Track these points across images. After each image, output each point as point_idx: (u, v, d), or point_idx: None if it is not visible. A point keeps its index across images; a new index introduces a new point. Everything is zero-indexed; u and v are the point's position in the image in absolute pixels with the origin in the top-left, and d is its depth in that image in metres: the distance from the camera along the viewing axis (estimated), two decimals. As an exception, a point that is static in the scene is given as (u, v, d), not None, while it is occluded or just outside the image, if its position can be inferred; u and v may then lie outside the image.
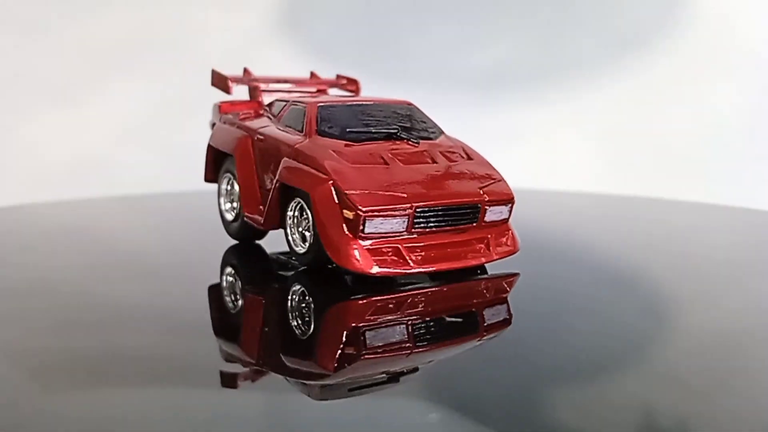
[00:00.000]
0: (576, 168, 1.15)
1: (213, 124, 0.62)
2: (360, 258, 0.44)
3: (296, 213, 0.49)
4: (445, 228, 0.47)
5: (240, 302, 0.46)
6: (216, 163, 0.59)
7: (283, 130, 0.53)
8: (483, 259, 0.48)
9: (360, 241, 0.45)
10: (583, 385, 0.32)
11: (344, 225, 0.45)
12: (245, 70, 0.64)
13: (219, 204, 0.59)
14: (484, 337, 0.38)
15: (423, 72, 1.10)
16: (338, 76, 0.65)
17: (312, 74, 0.66)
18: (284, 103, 0.56)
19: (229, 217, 0.58)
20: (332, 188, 0.45)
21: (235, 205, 0.57)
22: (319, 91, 0.64)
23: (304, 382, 0.33)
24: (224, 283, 0.49)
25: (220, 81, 0.62)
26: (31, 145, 1.14)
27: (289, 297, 0.45)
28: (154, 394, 0.31)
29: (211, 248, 0.58)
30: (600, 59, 1.15)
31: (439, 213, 0.46)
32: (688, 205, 0.87)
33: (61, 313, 0.42)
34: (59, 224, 0.75)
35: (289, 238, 0.50)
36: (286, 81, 0.63)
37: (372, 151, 0.49)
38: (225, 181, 0.58)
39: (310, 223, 0.47)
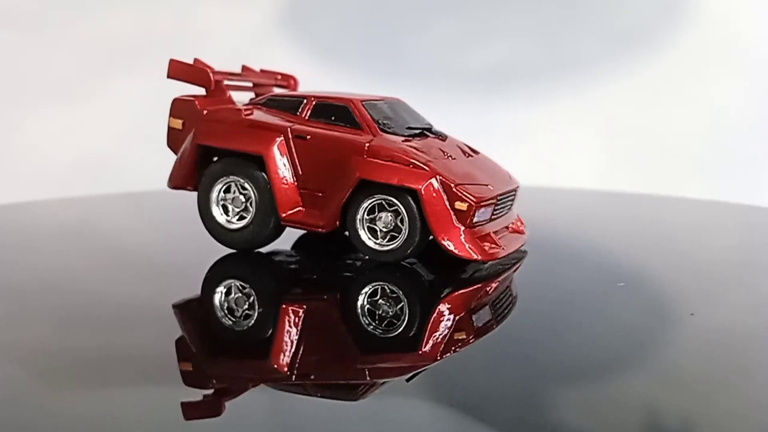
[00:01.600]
0: (579, 165, 1.14)
1: (182, 124, 0.55)
2: (474, 246, 0.48)
3: (365, 212, 0.49)
4: (499, 215, 0.52)
5: (245, 301, 0.46)
6: (196, 166, 0.53)
7: (330, 128, 0.51)
8: (524, 240, 0.54)
9: (470, 231, 0.48)
10: (586, 384, 0.32)
11: (455, 216, 0.47)
12: (196, 61, 0.58)
13: (209, 214, 0.53)
14: (489, 335, 0.38)
15: (425, 70, 1.10)
16: (264, 71, 0.64)
17: (244, 68, 0.64)
18: (299, 99, 0.54)
19: (235, 225, 0.53)
20: (440, 182, 0.47)
21: (240, 212, 0.52)
22: (266, 86, 0.62)
23: (309, 381, 0.33)
24: (230, 282, 0.49)
25: (193, 74, 0.56)
26: (35, 143, 1.15)
27: (291, 296, 0.45)
28: (158, 394, 0.31)
29: (216, 246, 0.58)
30: (603, 56, 1.14)
31: (500, 201, 0.51)
32: (691, 203, 0.86)
33: (65, 312, 0.42)
34: (63, 222, 0.75)
35: (364, 237, 0.49)
36: (239, 75, 0.61)
37: (431, 146, 0.51)
38: (219, 186, 0.53)
39: (406, 218, 0.48)
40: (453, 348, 0.36)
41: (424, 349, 0.36)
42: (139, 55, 1.15)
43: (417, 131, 0.53)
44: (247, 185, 0.52)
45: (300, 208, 0.51)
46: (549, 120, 1.12)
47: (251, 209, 0.52)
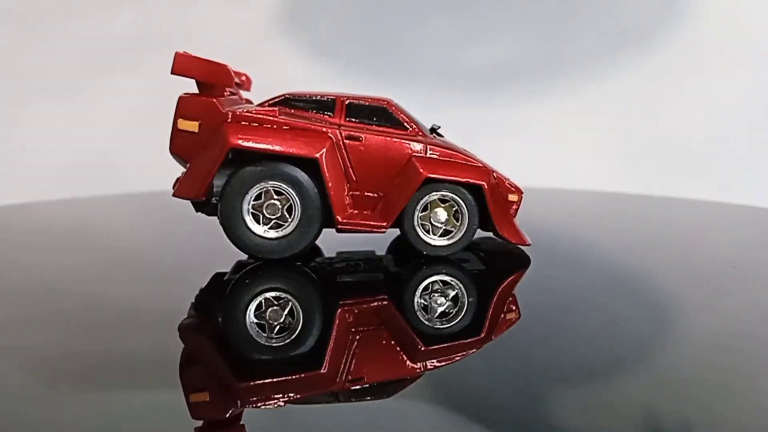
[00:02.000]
0: (579, 165, 1.14)
1: (199, 126, 0.50)
2: (522, 233, 0.55)
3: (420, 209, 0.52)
4: None
5: (246, 302, 0.45)
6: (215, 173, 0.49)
7: (379, 129, 0.52)
8: None
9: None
10: (586, 386, 0.32)
11: (509, 209, 0.54)
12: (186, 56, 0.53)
13: (241, 224, 0.49)
14: (489, 337, 0.38)
15: (425, 67, 1.10)
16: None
17: None
18: (328, 100, 0.53)
19: (274, 234, 0.50)
20: (496, 178, 0.53)
21: (275, 219, 0.50)
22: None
23: (310, 383, 0.33)
24: (230, 283, 0.49)
25: (209, 69, 0.51)
26: (34, 143, 1.15)
27: (297, 295, 0.45)
28: (157, 396, 0.31)
29: (216, 247, 0.58)
30: (604, 54, 1.14)
31: None
32: (692, 203, 0.86)
33: (65, 314, 0.42)
34: (62, 223, 0.75)
35: (420, 233, 0.52)
36: None
37: (455, 145, 0.55)
38: (254, 193, 0.49)
39: (466, 213, 0.52)
40: (453, 350, 0.36)
41: (423, 352, 0.36)
42: (139, 54, 1.15)
43: (433, 130, 0.57)
44: (285, 190, 0.49)
45: (355, 211, 0.51)
46: (549, 118, 1.12)
47: (293, 215, 0.49)
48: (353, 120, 0.52)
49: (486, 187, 0.51)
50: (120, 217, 0.79)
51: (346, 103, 0.53)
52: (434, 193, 0.51)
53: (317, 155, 0.48)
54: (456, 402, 0.30)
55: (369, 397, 0.31)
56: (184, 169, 0.51)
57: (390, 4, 1.16)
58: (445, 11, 1.15)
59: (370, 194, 0.51)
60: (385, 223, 0.51)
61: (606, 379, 0.33)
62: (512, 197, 0.54)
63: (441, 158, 0.52)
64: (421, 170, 0.50)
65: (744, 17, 1.11)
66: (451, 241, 0.52)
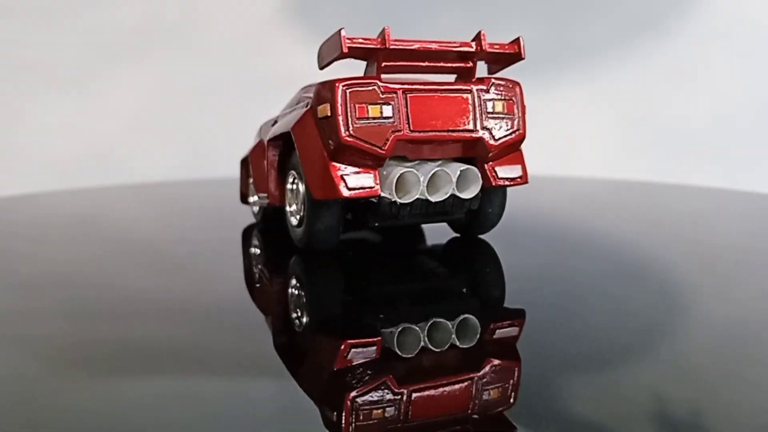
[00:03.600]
0: (589, 153, 1.14)
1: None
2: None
3: None
4: None
5: (255, 291, 0.46)
6: None
7: None
8: None
9: None
10: (595, 374, 0.32)
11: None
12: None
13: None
14: (498, 326, 0.38)
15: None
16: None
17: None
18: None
19: None
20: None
21: None
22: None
23: (319, 372, 0.33)
24: (240, 271, 0.49)
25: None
26: (43, 135, 1.15)
27: (303, 286, 0.45)
28: (169, 385, 0.31)
29: (225, 236, 0.58)
30: (613, 43, 1.13)
31: None
32: (702, 191, 0.86)
33: (75, 303, 0.43)
34: (71, 213, 0.75)
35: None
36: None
37: None
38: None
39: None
40: (462, 338, 0.36)
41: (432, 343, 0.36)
42: (146, 46, 1.15)
43: None
44: None
45: None
46: (558, 107, 1.11)
47: None
48: None
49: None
50: (128, 207, 0.80)
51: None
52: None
53: None
54: (466, 390, 0.30)
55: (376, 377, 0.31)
56: None
57: (397, -7, 1.16)
58: (453, 1, 1.15)
59: None
60: None
61: (617, 367, 0.33)
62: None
63: None
64: None
65: (753, 6, 1.10)
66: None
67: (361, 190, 0.44)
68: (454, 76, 0.49)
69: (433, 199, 0.46)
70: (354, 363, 0.33)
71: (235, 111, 1.03)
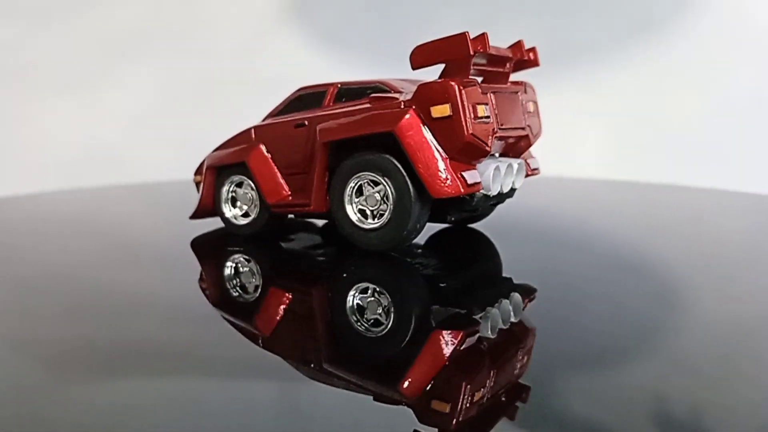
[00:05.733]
0: (587, 154, 1.14)
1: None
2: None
3: None
4: None
5: (251, 291, 0.46)
6: None
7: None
8: None
9: None
10: (595, 371, 0.32)
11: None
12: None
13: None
14: (496, 324, 0.38)
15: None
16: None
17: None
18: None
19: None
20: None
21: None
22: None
23: (316, 370, 0.33)
24: (236, 272, 0.49)
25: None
26: (43, 135, 1.15)
27: (299, 286, 0.45)
28: (167, 383, 0.31)
29: (225, 237, 0.58)
30: (611, 45, 1.13)
31: None
32: (699, 191, 0.86)
33: (74, 302, 0.43)
34: (71, 213, 0.75)
35: None
36: None
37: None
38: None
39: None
40: (461, 336, 0.37)
41: (431, 341, 0.36)
42: (146, 46, 1.15)
43: None
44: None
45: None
46: (556, 109, 1.11)
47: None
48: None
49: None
50: (128, 207, 0.80)
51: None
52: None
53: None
54: (467, 389, 0.31)
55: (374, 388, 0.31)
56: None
57: (397, -7, 1.16)
58: (451, 2, 1.15)
59: None
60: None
61: (615, 365, 0.33)
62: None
63: None
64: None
65: (754, 7, 1.10)
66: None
67: (474, 186, 0.46)
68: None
69: (500, 191, 0.49)
70: (353, 362, 0.33)
71: (235, 111, 1.03)
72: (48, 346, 0.35)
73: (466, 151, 0.46)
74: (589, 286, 0.45)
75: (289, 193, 0.54)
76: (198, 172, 0.61)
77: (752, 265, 0.51)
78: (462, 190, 0.45)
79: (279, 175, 0.54)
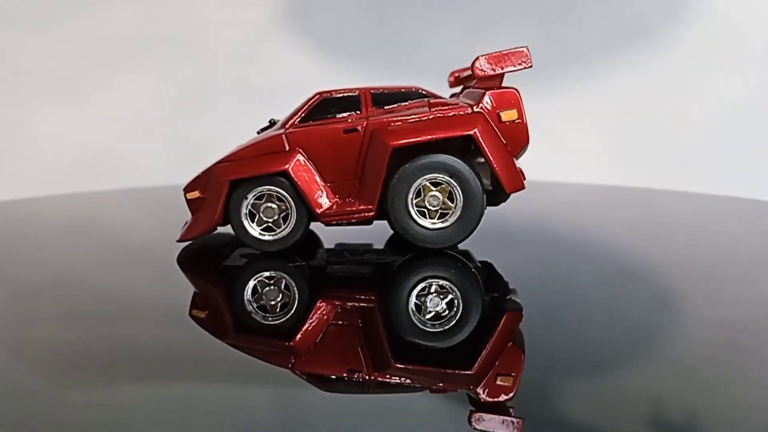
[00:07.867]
0: (581, 160, 1.14)
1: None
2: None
3: None
4: None
5: (249, 294, 0.46)
6: None
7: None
8: None
9: None
10: (591, 376, 0.32)
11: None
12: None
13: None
14: (494, 330, 0.38)
15: (428, 64, 1.10)
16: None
17: None
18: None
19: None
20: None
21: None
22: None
23: (312, 374, 0.33)
24: (239, 275, 0.49)
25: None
26: (39, 140, 1.15)
27: (296, 287, 0.45)
28: (163, 388, 0.31)
29: (218, 241, 0.58)
30: (605, 50, 1.14)
31: None
32: (694, 196, 0.86)
33: (70, 306, 0.43)
34: (67, 218, 0.75)
35: None
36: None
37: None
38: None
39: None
40: (458, 342, 0.37)
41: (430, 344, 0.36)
42: (142, 52, 1.15)
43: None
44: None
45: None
46: (551, 114, 1.12)
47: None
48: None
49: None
50: (124, 212, 0.80)
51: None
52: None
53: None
54: (463, 394, 0.31)
55: (371, 391, 0.31)
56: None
57: (393, 1, 1.16)
58: (449, 7, 1.15)
59: None
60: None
61: (611, 370, 0.33)
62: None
63: None
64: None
65: (748, 15, 1.11)
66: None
67: (524, 181, 0.52)
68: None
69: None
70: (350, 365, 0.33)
71: (231, 117, 1.03)
72: (44, 351, 0.35)
73: (521, 150, 0.52)
74: (585, 291, 0.45)
75: (338, 200, 0.52)
76: (193, 187, 0.56)
77: (746, 270, 0.51)
78: (524, 186, 0.51)
79: (323, 183, 0.53)
